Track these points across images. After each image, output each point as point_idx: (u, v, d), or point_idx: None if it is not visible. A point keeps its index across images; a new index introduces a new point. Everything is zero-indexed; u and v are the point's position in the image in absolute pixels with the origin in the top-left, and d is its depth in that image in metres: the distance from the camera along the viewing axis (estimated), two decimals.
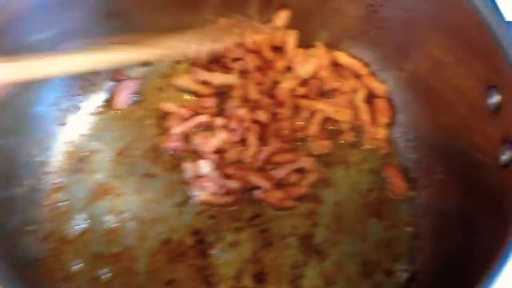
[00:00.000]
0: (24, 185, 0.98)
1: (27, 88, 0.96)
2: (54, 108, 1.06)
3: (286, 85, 1.07)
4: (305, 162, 1.05)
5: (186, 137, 1.07)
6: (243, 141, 1.06)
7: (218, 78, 1.09)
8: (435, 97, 1.00)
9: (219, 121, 1.06)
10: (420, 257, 1.00)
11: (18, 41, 0.91)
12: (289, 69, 1.11)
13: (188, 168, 1.04)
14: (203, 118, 1.06)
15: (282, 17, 1.11)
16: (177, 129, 1.06)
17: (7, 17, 0.88)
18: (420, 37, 0.98)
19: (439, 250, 0.98)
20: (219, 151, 1.06)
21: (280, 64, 1.10)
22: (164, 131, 1.09)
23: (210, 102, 1.08)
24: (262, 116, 1.05)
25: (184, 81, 1.11)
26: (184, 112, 1.07)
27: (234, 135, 1.05)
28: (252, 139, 1.04)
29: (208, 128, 1.07)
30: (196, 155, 1.06)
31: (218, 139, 1.04)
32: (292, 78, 1.10)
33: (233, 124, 1.05)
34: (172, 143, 1.06)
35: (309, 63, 1.11)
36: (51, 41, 0.96)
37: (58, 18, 0.97)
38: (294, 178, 1.05)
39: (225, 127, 1.05)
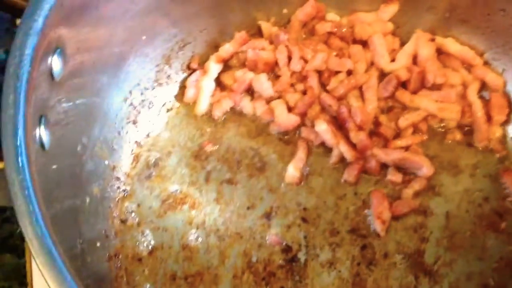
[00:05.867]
0: (93, 193, 0.85)
1: (103, 76, 0.86)
2: (127, 103, 0.93)
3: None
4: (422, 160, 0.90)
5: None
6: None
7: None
8: None
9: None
10: None
11: (97, 18, 0.80)
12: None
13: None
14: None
15: (390, 10, 0.98)
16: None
17: None
18: None
19: None
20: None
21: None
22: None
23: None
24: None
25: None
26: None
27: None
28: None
29: None
30: None
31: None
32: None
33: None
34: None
35: (403, 55, 0.96)
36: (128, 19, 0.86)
37: None
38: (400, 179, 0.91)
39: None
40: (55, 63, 0.71)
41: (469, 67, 0.96)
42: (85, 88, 0.82)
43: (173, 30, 0.95)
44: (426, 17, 0.98)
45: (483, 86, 0.95)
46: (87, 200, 0.84)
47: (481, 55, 0.95)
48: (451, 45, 0.96)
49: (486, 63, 0.96)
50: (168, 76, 0.98)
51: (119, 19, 0.85)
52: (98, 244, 0.84)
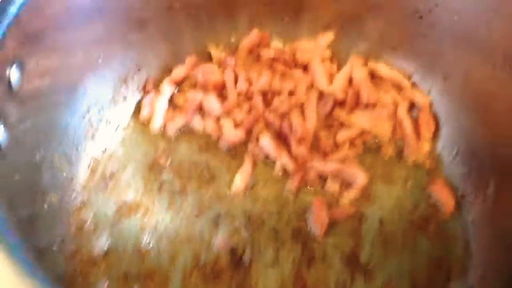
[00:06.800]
0: (51, 201, 0.90)
1: (61, 95, 0.93)
2: (85, 120, 1.00)
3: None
4: (357, 171, 0.98)
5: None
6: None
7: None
8: (487, 105, 0.94)
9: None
10: (474, 276, 0.92)
11: (55, 41, 0.88)
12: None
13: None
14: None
15: (327, 38, 1.09)
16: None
17: (45, 19, 0.85)
18: (471, 42, 0.92)
19: (495, 268, 0.90)
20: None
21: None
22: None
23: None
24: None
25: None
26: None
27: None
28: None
29: None
30: None
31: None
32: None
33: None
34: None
35: (339, 78, 1.06)
36: (85, 43, 0.93)
37: (93, 22, 0.93)
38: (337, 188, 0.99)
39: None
40: (13, 74, 0.79)
41: (399, 88, 1.06)
42: (43, 107, 0.89)
43: (129, 54, 1.03)
44: (360, 45, 1.08)
45: (412, 105, 1.05)
46: (45, 207, 0.90)
47: (409, 77, 1.05)
48: (382, 69, 1.06)
49: (414, 85, 1.06)
50: (125, 97, 1.06)
51: (76, 45, 0.93)
52: (55, 247, 0.89)
